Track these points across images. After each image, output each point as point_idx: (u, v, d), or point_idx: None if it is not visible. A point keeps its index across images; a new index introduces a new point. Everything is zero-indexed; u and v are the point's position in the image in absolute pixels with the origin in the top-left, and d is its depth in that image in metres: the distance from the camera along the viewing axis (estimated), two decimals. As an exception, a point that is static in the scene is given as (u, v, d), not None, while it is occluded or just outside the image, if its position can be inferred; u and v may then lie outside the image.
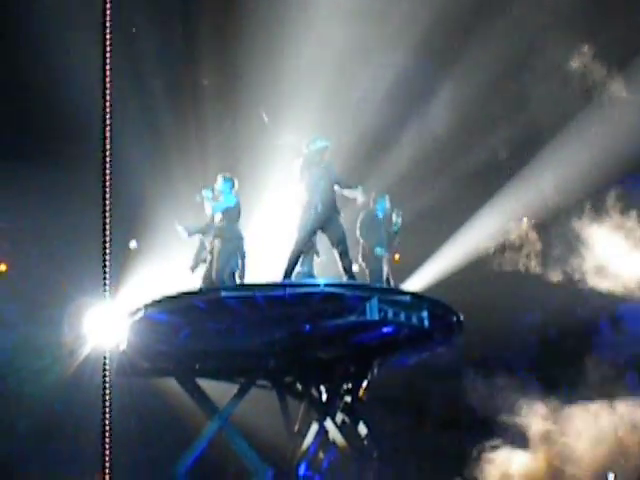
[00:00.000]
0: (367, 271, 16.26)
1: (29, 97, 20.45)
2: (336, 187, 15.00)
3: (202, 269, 15.79)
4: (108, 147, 4.48)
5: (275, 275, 15.06)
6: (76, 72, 17.82)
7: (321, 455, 17.13)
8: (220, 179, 15.53)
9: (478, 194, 20.55)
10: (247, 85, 20.11)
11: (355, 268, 15.66)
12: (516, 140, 20.96)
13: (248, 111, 19.99)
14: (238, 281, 15.24)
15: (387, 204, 16.75)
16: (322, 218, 14.84)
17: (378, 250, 16.28)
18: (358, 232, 16.30)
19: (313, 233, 15.04)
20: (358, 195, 15.08)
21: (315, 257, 15.77)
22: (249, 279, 15.41)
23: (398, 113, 21.12)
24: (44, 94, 19.79)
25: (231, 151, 19.54)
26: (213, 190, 15.59)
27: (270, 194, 17.12)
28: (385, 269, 16.34)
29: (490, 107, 20.50)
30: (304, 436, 16.90)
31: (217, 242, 15.20)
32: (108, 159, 4.50)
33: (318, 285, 14.47)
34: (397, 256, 18.85)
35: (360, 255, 16.31)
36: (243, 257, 15.49)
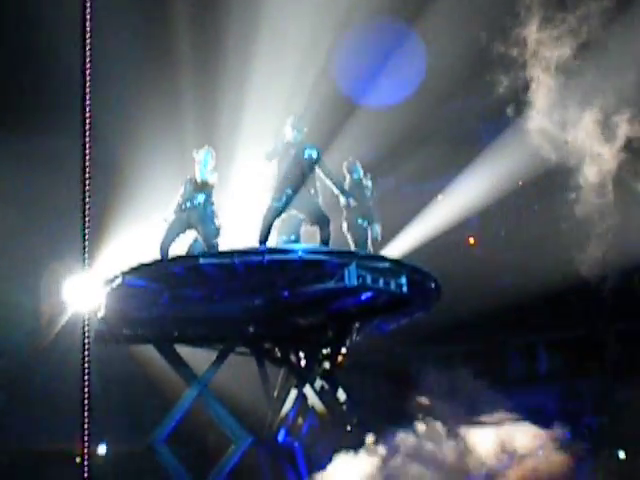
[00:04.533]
0: (352, 241, 16.29)
1: (6, 65, 20.28)
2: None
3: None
4: (88, 115, 4.45)
5: (253, 242, 15.07)
6: (54, 39, 17.65)
7: (300, 421, 17.19)
8: (202, 151, 15.64)
9: (457, 161, 20.55)
10: (225, 55, 20.00)
11: None
12: (494, 108, 20.93)
13: (226, 79, 19.88)
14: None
15: (360, 171, 16.79)
16: (292, 194, 14.97)
17: (361, 220, 16.35)
18: (342, 206, 16.29)
19: (284, 207, 15.08)
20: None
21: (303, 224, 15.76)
22: (228, 246, 15.38)
23: (375, 81, 21.08)
24: (22, 62, 19.64)
25: (209, 116, 19.45)
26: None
27: (248, 161, 17.06)
28: (368, 238, 16.41)
29: (466, 71, 20.45)
30: (283, 402, 16.96)
31: (194, 214, 15.26)
32: (88, 127, 4.47)
33: (296, 251, 14.47)
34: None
35: (345, 225, 16.32)
36: (218, 229, 15.49)
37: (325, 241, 15.04)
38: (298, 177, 15.05)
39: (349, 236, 16.37)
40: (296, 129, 15.33)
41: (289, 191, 14.98)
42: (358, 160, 16.95)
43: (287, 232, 15.57)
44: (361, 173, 16.85)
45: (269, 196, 15.12)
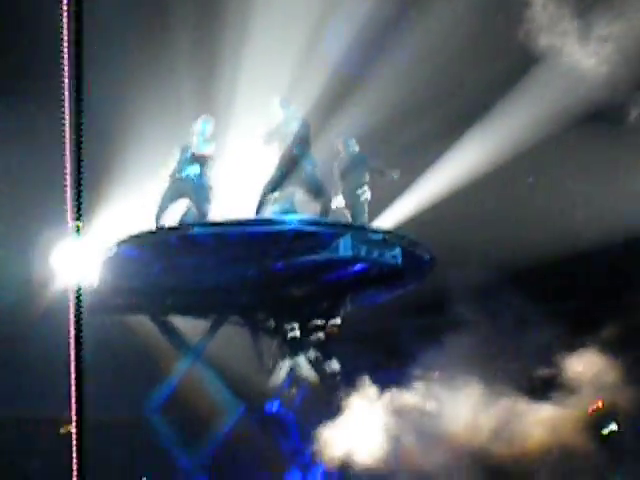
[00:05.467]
0: (348, 213, 16.30)
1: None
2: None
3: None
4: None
5: (248, 212, 15.06)
6: (44, 8, 17.51)
7: (293, 391, 17.21)
8: (200, 120, 15.65)
9: (450, 134, 20.49)
10: (222, 25, 19.88)
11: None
12: (484, 85, 20.88)
13: (223, 48, 19.77)
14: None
15: (356, 146, 16.81)
16: (288, 168, 15.05)
17: (359, 192, 16.37)
18: (337, 176, 16.30)
19: (280, 179, 15.13)
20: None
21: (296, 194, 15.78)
22: (222, 217, 15.37)
23: (372, 57, 20.99)
24: (11, 29, 19.50)
25: (205, 85, 19.35)
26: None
27: (244, 130, 17.02)
28: (360, 210, 16.43)
29: (467, 49, 20.37)
30: (276, 373, 16.97)
31: (188, 184, 15.28)
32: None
33: (290, 222, 14.46)
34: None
35: (341, 197, 16.32)
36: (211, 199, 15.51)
37: (325, 211, 15.12)
38: (292, 155, 15.10)
39: (345, 208, 16.37)
40: (284, 107, 15.40)
41: (283, 169, 15.03)
42: (353, 135, 16.96)
43: (281, 201, 15.55)
44: (356, 148, 16.86)
45: (266, 171, 15.16)
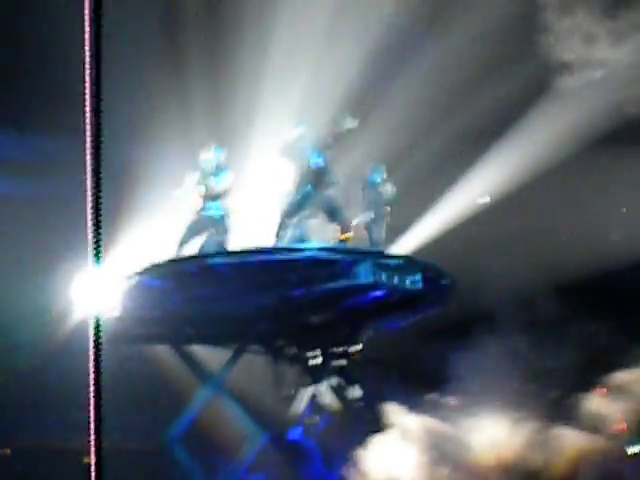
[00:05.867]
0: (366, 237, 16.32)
1: (16, 56, 20.34)
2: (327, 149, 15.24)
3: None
4: (99, 108, 4.42)
5: (263, 242, 15.09)
6: (64, 33, 17.70)
7: (316, 419, 17.16)
8: (212, 150, 15.65)
9: (465, 155, 20.47)
10: (239, 49, 19.95)
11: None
12: (503, 102, 20.85)
13: (239, 74, 19.84)
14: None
15: (384, 174, 16.78)
16: (306, 199, 15.02)
17: (374, 221, 16.35)
18: (361, 199, 16.33)
19: (299, 209, 15.15)
20: (346, 125, 15.21)
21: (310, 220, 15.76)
22: (240, 244, 15.39)
23: (387, 73, 21.00)
24: (31, 55, 19.70)
25: (223, 112, 19.41)
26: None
27: (259, 158, 17.06)
28: (380, 237, 16.39)
29: (480, 66, 20.36)
30: (297, 400, 16.94)
31: (210, 221, 15.35)
32: (100, 119, 4.45)
33: (308, 250, 14.46)
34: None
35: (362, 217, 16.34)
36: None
37: (344, 229, 15.14)
38: (309, 184, 15.14)
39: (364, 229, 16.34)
40: (303, 137, 15.41)
41: (303, 193, 15.06)
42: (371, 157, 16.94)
43: (296, 226, 15.53)
44: (383, 176, 16.83)
45: (284, 197, 15.17)
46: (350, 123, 15.66)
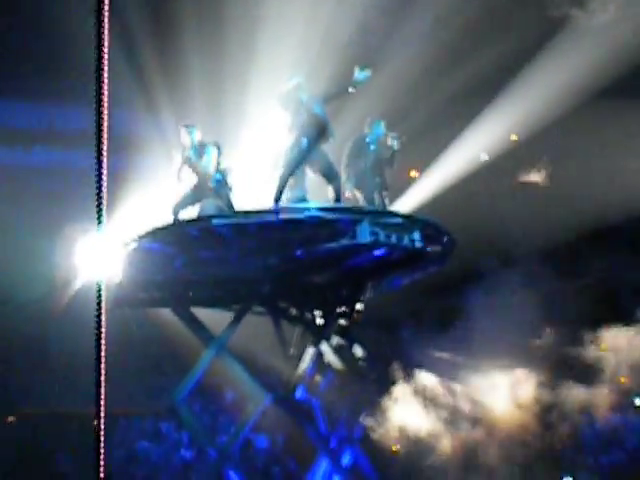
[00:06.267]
0: (359, 197, 16.19)
1: (22, 28, 20.34)
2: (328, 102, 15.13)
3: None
4: (103, 79, 4.45)
5: (263, 202, 15.08)
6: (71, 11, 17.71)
7: (318, 378, 17.26)
8: (186, 132, 15.68)
9: (464, 113, 20.44)
10: (233, 15, 19.91)
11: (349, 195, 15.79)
12: (502, 58, 20.78)
13: (234, 37, 19.78)
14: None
15: (382, 129, 16.54)
16: (306, 151, 14.93)
17: (371, 177, 16.09)
18: (345, 160, 16.10)
19: (298, 164, 15.06)
20: (360, 77, 15.04)
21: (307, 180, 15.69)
22: (239, 206, 15.41)
23: (384, 34, 20.95)
24: (37, 26, 19.69)
25: (217, 77, 19.38)
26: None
27: (257, 122, 17.03)
28: (376, 195, 16.23)
29: (476, 27, 20.32)
30: (300, 360, 17.03)
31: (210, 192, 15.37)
32: (105, 87, 4.47)
33: (309, 210, 14.47)
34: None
35: (349, 182, 16.15)
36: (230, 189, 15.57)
37: (337, 196, 15.08)
38: (310, 135, 15.01)
39: (357, 192, 16.18)
40: (301, 88, 15.27)
41: (301, 152, 14.96)
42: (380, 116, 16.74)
43: (294, 188, 15.49)
44: (382, 134, 16.43)
45: (283, 155, 15.10)
46: (366, 75, 15.43)
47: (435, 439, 17.23)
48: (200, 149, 15.56)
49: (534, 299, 19.13)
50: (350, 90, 15.10)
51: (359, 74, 15.10)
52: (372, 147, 16.30)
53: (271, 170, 15.46)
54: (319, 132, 15.14)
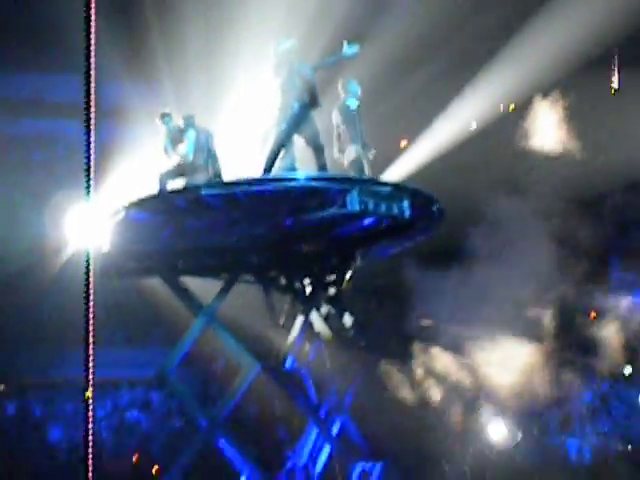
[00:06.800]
0: (345, 165, 16.08)
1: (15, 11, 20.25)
2: (318, 70, 15.06)
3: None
4: (90, 48, 4.42)
5: (252, 172, 15.04)
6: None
7: (307, 347, 17.29)
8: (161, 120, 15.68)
9: (454, 84, 20.39)
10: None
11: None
12: (491, 28, 20.72)
13: (227, 4, 19.66)
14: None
15: (358, 88, 16.13)
16: (298, 118, 14.88)
17: (354, 148, 15.93)
18: (336, 130, 15.95)
19: (290, 131, 15.00)
20: (348, 52, 15.02)
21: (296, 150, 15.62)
22: (228, 176, 15.38)
23: (372, 7, 20.88)
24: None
25: (206, 45, 19.28)
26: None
27: (245, 90, 16.96)
28: (365, 162, 16.13)
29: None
30: (290, 329, 17.05)
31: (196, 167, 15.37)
32: (92, 57, 4.45)
33: (298, 179, 14.43)
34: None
35: (337, 150, 16.06)
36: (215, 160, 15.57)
37: (323, 167, 15.03)
38: (302, 101, 14.96)
39: (345, 160, 16.05)
40: (294, 51, 15.18)
41: (293, 121, 14.90)
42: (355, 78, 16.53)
43: (283, 157, 15.43)
44: (359, 91, 16.12)
45: (273, 124, 15.04)
46: (354, 50, 15.34)
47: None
48: (179, 136, 15.58)
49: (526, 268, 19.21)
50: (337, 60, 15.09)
51: (348, 49, 15.07)
52: (353, 108, 16.08)
53: (261, 136, 15.40)
54: (311, 98, 15.09)
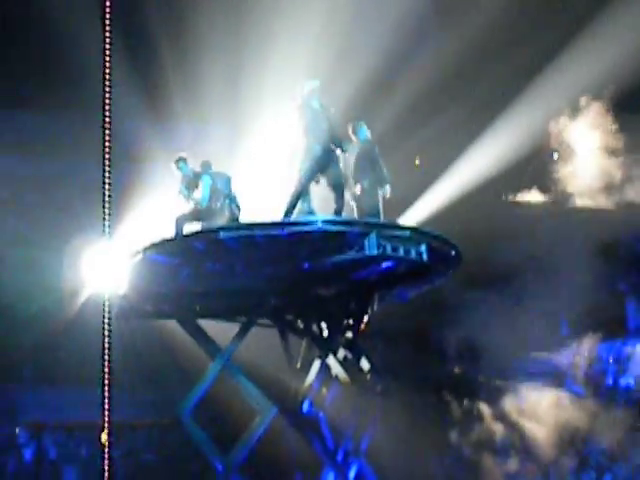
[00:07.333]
0: (358, 210, 16.02)
1: (26, 38, 20.36)
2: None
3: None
4: (109, 89, 4.45)
5: (272, 214, 15.07)
6: (73, 14, 17.75)
7: (324, 391, 17.23)
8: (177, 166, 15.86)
9: (474, 127, 20.44)
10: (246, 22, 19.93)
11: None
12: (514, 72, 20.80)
13: (248, 45, 19.78)
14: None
15: (367, 132, 16.17)
16: (321, 161, 14.94)
17: (366, 183, 15.91)
18: (352, 171, 15.94)
19: (312, 174, 15.05)
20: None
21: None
22: (247, 219, 15.42)
23: (399, 47, 20.94)
24: (41, 36, 19.72)
25: (230, 89, 19.37)
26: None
27: (267, 131, 17.03)
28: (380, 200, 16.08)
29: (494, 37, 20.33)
30: (307, 373, 17.00)
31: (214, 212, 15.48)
32: (108, 101, 4.48)
33: (316, 223, 14.44)
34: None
35: (352, 194, 16.04)
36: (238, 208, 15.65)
37: (339, 210, 15.07)
38: (325, 144, 15.01)
39: (355, 204, 16.03)
40: (314, 93, 15.23)
41: (317, 157, 14.93)
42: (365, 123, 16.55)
43: (302, 201, 15.46)
44: (368, 134, 16.15)
45: (296, 168, 15.09)
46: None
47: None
48: (194, 181, 15.67)
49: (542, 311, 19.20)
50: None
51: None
52: (362, 152, 16.07)
53: (283, 178, 15.47)
54: (334, 141, 15.15)
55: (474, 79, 21.22)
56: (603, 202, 20.60)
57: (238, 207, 15.73)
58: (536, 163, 21.22)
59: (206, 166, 15.79)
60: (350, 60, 17.80)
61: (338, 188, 15.19)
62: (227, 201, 15.55)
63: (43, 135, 20.45)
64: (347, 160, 15.83)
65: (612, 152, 20.47)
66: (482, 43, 20.32)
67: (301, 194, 14.99)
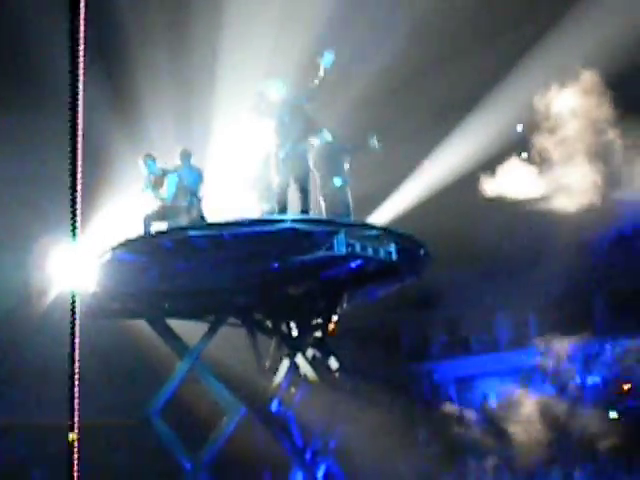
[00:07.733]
0: (325, 204, 16.05)
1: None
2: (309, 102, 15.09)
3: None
4: (78, 88, 4.41)
5: (240, 213, 15.06)
6: (42, 15, 17.65)
7: (293, 390, 17.22)
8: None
9: (443, 125, 20.47)
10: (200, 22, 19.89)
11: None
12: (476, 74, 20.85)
13: (200, 41, 19.73)
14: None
15: (329, 135, 16.10)
16: (290, 160, 14.90)
17: (336, 181, 16.02)
18: (312, 164, 15.81)
19: (288, 175, 15.00)
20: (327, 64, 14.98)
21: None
22: (215, 218, 15.38)
23: (363, 42, 20.94)
24: (7, 36, 19.60)
25: (188, 86, 19.34)
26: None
27: (232, 131, 16.98)
28: (348, 198, 16.12)
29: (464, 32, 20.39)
30: (275, 372, 16.99)
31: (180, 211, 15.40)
32: (79, 99, 4.45)
33: (285, 222, 14.42)
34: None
35: (318, 188, 16.09)
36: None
37: (306, 209, 15.03)
38: (289, 141, 14.97)
39: (324, 203, 16.09)
40: (278, 88, 15.18)
41: (297, 165, 14.92)
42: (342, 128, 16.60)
43: (270, 200, 15.45)
44: (329, 136, 16.11)
45: (266, 165, 15.08)
46: (330, 60, 15.10)
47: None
48: (160, 179, 15.60)
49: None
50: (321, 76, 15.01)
51: (325, 61, 15.03)
52: (326, 150, 16.11)
53: (250, 177, 15.46)
54: (313, 135, 15.14)
55: (439, 78, 21.27)
56: (569, 204, 20.71)
57: (200, 209, 15.65)
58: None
59: (185, 155, 15.70)
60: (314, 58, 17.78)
61: (304, 188, 15.15)
62: (194, 199, 15.48)
63: (9, 135, 20.29)
64: (315, 159, 15.86)
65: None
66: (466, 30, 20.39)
67: (286, 192, 14.93)
